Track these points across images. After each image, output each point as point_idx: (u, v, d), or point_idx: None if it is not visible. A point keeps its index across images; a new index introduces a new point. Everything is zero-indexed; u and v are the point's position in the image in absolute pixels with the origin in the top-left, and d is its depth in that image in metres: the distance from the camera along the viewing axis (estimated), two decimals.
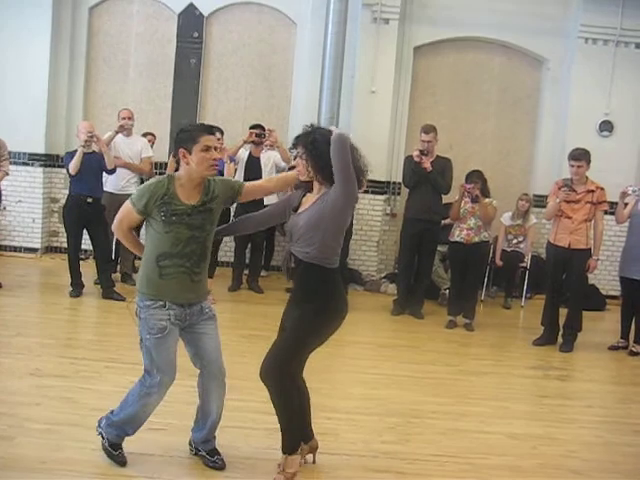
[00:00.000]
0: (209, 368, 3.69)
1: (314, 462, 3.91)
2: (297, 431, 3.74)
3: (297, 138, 3.65)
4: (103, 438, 3.75)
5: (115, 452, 3.72)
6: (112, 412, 3.75)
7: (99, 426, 3.79)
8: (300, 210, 3.65)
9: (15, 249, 9.49)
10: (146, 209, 3.49)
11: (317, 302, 3.58)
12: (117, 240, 6.95)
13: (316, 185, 3.65)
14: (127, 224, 3.60)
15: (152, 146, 8.64)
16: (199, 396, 3.79)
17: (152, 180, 3.64)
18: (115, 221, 3.62)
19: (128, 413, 3.68)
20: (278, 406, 3.63)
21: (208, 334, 3.68)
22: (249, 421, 4.41)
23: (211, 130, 3.61)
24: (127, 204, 3.55)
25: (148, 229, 3.58)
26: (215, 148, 3.55)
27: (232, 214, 8.02)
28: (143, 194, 3.51)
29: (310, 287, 3.60)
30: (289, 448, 3.69)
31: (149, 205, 3.48)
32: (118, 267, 8.25)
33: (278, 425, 3.67)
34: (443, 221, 7.88)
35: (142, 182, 8.33)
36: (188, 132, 3.56)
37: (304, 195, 3.71)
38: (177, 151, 3.55)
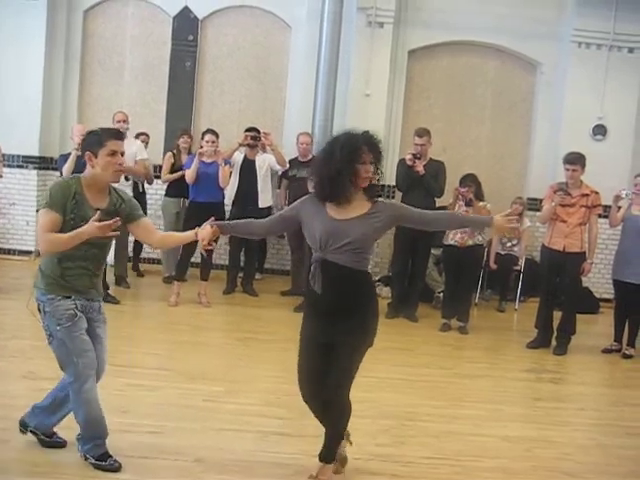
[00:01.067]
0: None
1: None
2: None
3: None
4: (87, 459, 3.70)
5: (105, 462, 3.67)
6: (78, 434, 3.74)
7: (80, 452, 3.74)
8: (339, 217, 3.49)
9: (9, 252, 9.47)
10: (64, 209, 3.47)
11: (371, 305, 3.60)
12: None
13: (359, 196, 3.53)
14: (51, 230, 3.47)
15: (146, 146, 8.64)
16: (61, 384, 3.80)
17: (58, 181, 3.66)
18: (39, 236, 3.51)
19: (83, 419, 3.65)
20: (340, 419, 3.72)
21: (101, 336, 3.72)
22: (244, 424, 4.41)
23: (119, 135, 3.65)
24: (43, 211, 3.48)
25: None
26: (122, 153, 3.59)
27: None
28: (56, 195, 3.47)
29: (363, 292, 3.57)
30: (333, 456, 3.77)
31: (66, 205, 3.47)
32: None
33: (325, 433, 3.74)
34: None
35: (136, 185, 8.34)
36: (97, 136, 3.58)
37: (322, 203, 3.55)
38: (84, 153, 3.57)
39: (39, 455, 3.77)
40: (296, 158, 8.37)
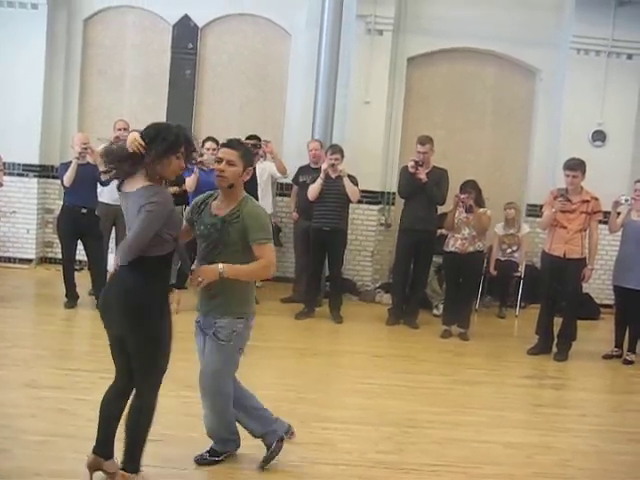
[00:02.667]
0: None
1: None
2: None
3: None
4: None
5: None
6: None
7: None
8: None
9: (10, 260, 9.47)
10: None
11: None
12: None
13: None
14: None
15: None
16: None
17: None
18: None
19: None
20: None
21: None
22: (244, 432, 4.38)
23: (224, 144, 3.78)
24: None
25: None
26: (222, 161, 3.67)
27: None
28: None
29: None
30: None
31: None
32: None
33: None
34: (439, 230, 7.90)
35: None
36: None
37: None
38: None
39: (41, 464, 3.77)
40: (308, 165, 8.36)
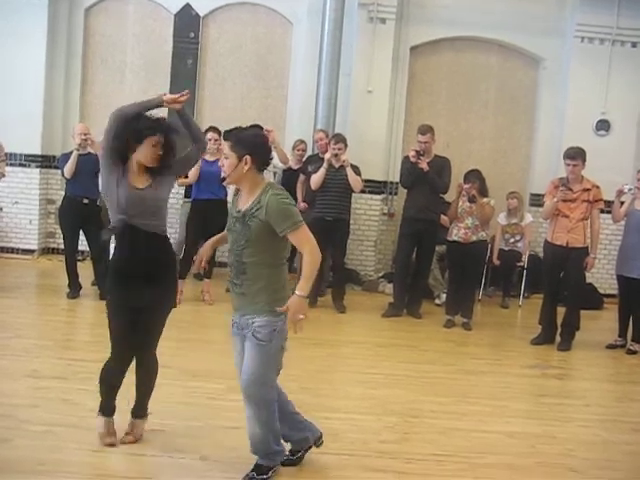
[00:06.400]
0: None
1: None
2: None
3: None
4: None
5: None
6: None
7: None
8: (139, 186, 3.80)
9: (12, 250, 9.47)
10: None
11: (173, 269, 4.06)
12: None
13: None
14: None
15: None
16: None
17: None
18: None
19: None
20: (153, 375, 4.06)
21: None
22: None
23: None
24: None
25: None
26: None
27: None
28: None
29: (166, 258, 3.94)
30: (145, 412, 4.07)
31: None
32: None
33: None
34: (443, 216, 7.82)
35: None
36: None
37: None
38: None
39: (44, 454, 3.76)
40: (316, 154, 8.32)
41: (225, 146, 3.48)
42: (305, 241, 3.47)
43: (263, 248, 3.46)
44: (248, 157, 3.41)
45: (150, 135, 3.69)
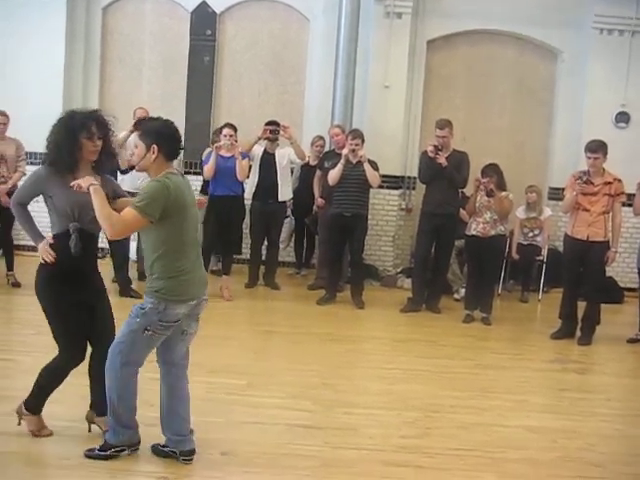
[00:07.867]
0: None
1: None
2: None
3: None
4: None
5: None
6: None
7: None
8: None
9: (32, 249, 9.49)
10: None
11: None
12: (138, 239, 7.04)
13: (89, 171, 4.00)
14: None
15: None
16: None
17: None
18: None
19: None
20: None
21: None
22: (269, 417, 4.42)
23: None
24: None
25: None
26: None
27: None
28: None
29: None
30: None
31: None
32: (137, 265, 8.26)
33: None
34: (462, 211, 7.78)
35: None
36: None
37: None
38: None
39: (68, 448, 3.81)
40: (333, 150, 8.32)
41: (135, 135, 3.70)
42: (124, 218, 3.58)
43: (150, 234, 3.64)
44: (155, 146, 3.58)
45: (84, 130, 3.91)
